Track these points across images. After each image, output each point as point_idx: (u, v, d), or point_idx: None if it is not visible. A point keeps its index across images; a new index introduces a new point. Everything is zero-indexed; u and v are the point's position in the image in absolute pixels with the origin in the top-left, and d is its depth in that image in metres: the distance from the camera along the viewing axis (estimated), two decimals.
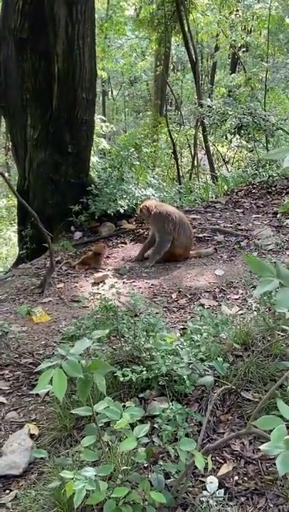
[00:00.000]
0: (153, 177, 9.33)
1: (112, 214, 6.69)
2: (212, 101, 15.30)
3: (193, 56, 14.45)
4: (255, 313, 4.58)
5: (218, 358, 3.30)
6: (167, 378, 3.27)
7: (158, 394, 3.37)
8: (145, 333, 3.58)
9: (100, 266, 5.97)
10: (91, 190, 6.95)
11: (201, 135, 14.85)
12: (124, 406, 2.75)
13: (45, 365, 2.51)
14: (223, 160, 16.55)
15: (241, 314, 4.61)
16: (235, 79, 19.75)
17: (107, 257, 6.25)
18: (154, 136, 14.76)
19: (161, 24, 15.79)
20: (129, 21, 19.42)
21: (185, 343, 3.34)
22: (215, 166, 15.41)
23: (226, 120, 9.31)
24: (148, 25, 16.45)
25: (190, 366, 3.19)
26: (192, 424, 3.13)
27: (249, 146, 12.40)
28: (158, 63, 18.94)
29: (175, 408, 3.02)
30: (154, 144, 15.90)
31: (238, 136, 9.45)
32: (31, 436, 3.32)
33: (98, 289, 5.40)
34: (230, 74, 21.55)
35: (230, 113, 9.13)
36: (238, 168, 14.88)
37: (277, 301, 1.99)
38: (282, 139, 9.99)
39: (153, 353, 3.30)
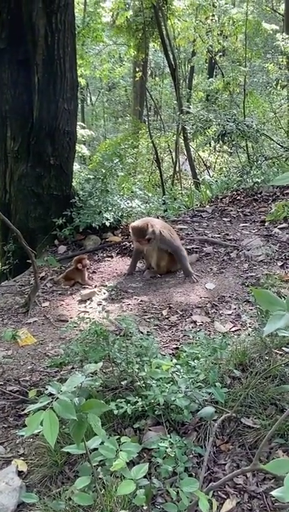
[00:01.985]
0: (134, 183, 9.19)
1: (98, 227, 6.50)
2: (190, 105, 15.25)
3: (172, 62, 14.38)
4: (249, 329, 4.44)
5: (216, 383, 3.14)
6: (163, 407, 3.09)
7: (154, 423, 3.20)
8: (138, 358, 3.40)
9: (85, 280, 5.76)
10: (75, 203, 6.76)
11: (182, 141, 14.75)
12: (118, 440, 2.57)
13: (34, 407, 2.32)
14: (205, 165, 16.45)
15: (235, 331, 4.47)
16: (214, 83, 19.80)
17: (93, 271, 6.05)
18: (134, 143, 14.61)
19: (139, 30, 15.73)
20: (106, 28, 19.30)
21: (182, 369, 3.16)
22: (197, 171, 15.33)
23: (209, 127, 9.18)
24: (126, 32, 16.38)
25: (188, 394, 3.01)
26: (191, 455, 2.96)
27: (230, 150, 12.34)
28: (137, 69, 18.85)
29: (173, 440, 2.85)
30: (135, 150, 15.79)
31: (221, 142, 9.31)
32: (19, 473, 3.11)
33: (86, 307, 5.20)
34: (208, 78, 21.61)
35: (214, 120, 8.99)
36: (221, 174, 14.82)
37: None
38: (265, 144, 9.88)
39: (148, 382, 3.13)
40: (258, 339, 3.82)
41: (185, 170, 16.97)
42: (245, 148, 10.63)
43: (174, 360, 3.20)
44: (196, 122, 9.27)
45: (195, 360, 3.23)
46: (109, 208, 6.49)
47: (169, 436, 2.89)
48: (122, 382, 3.32)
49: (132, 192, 7.78)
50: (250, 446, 3.09)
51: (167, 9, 14.70)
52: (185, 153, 14.80)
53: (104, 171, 6.75)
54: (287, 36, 16.70)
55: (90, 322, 3.67)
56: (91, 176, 7.34)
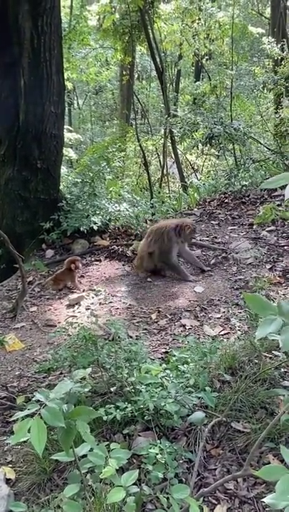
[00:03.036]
0: (122, 187, 9.14)
1: (86, 231, 6.46)
2: (177, 108, 15.27)
3: (159, 65, 14.37)
4: (239, 332, 4.42)
5: (206, 388, 3.11)
6: (153, 412, 3.06)
7: (143, 428, 3.17)
8: (127, 363, 3.37)
9: (75, 282, 5.71)
10: (62, 207, 6.71)
11: (169, 144, 14.73)
12: (108, 446, 2.54)
13: (22, 414, 2.28)
14: (193, 168, 16.46)
15: (225, 335, 4.45)
16: (200, 87, 19.85)
17: (82, 276, 6.01)
18: (121, 146, 14.56)
19: (125, 34, 15.71)
20: (93, 31, 19.28)
21: (171, 374, 3.13)
22: (184, 174, 15.31)
23: (196, 130, 9.17)
24: (112, 35, 16.35)
25: (178, 399, 2.98)
26: (181, 461, 2.93)
27: (217, 153, 12.34)
28: (124, 72, 18.84)
29: (163, 446, 2.83)
30: (123, 153, 15.74)
31: (209, 145, 9.31)
32: (7, 481, 3.06)
33: (74, 311, 5.16)
34: (195, 82, 21.69)
35: (201, 123, 8.99)
36: (208, 177, 14.83)
37: (282, 342, 1.79)
38: (253, 147, 9.89)
39: (137, 387, 3.09)
40: (248, 343, 3.81)
41: (173, 173, 16.95)
42: (232, 151, 10.66)
43: (164, 365, 3.18)
44: (183, 125, 9.26)
45: (184, 365, 3.20)
46: (97, 212, 6.45)
47: (158, 441, 2.86)
48: (112, 388, 3.28)
49: (119, 195, 7.75)
50: (241, 450, 3.06)
51: (153, 13, 14.69)
52: (173, 156, 14.78)
53: (91, 175, 6.70)
54: (273, 39, 16.80)
55: (78, 327, 3.63)
56: (78, 180, 7.30)
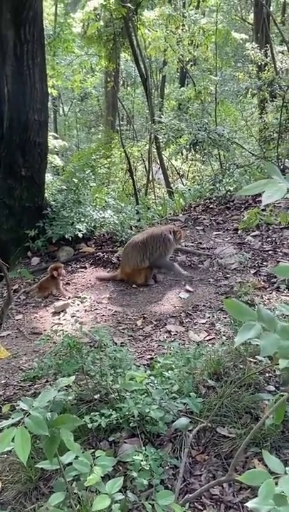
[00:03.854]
0: (107, 193, 9.15)
1: (71, 238, 6.46)
2: (163, 114, 15.31)
3: (144, 71, 14.42)
4: (224, 337, 4.45)
5: (191, 393, 3.13)
6: (138, 419, 3.07)
7: (129, 435, 3.17)
8: (112, 370, 3.37)
9: (60, 289, 5.70)
10: (47, 214, 6.71)
11: (154, 150, 14.78)
12: (93, 454, 2.54)
13: (6, 423, 2.28)
14: (178, 174, 16.51)
15: (210, 340, 4.47)
16: (185, 92, 19.95)
17: (67, 283, 6.00)
18: (106, 153, 14.59)
19: (110, 41, 15.76)
20: (77, 38, 19.32)
21: (156, 381, 3.14)
22: (170, 180, 15.35)
23: (180, 136, 9.22)
24: (97, 42, 16.38)
25: (162, 405, 2.99)
26: (167, 467, 2.94)
27: (202, 159, 12.39)
28: (108, 79, 18.88)
29: (148, 453, 2.83)
30: (108, 160, 15.76)
31: (193, 151, 9.35)
32: None
33: (59, 319, 5.15)
34: (180, 87, 21.80)
35: (185, 129, 9.04)
36: (194, 182, 14.88)
37: (262, 347, 1.81)
38: (237, 153, 9.95)
39: (122, 394, 3.10)
40: (232, 348, 3.83)
41: (158, 179, 16.98)
42: (217, 156, 10.72)
43: (148, 372, 3.19)
44: (167, 131, 9.30)
45: (169, 371, 3.21)
46: (82, 219, 6.45)
47: (144, 448, 2.87)
48: (96, 396, 3.28)
49: (105, 202, 7.75)
50: (226, 455, 3.08)
51: (137, 20, 14.75)
52: (158, 162, 14.82)
53: (76, 182, 6.70)
54: (256, 45, 16.94)
55: (63, 335, 3.63)
56: (63, 187, 7.30)
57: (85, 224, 6.42)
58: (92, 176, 6.71)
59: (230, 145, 9.06)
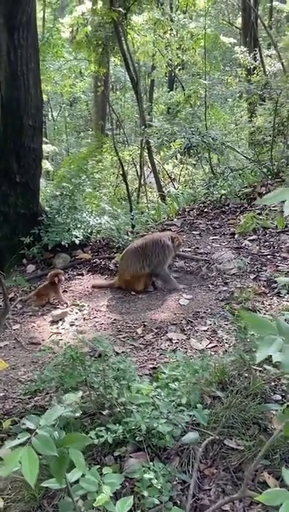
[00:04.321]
0: (100, 198, 9.06)
1: (67, 245, 6.37)
2: (152, 118, 15.28)
3: (134, 76, 14.37)
4: (226, 345, 4.37)
5: (198, 405, 3.05)
6: (144, 432, 2.98)
7: (134, 449, 3.08)
8: (116, 381, 3.28)
9: (59, 296, 5.59)
10: (42, 220, 6.61)
11: (146, 154, 14.71)
12: (99, 470, 2.45)
13: (12, 443, 2.19)
14: (170, 178, 16.43)
15: (212, 348, 4.39)
16: (174, 96, 19.95)
17: (64, 290, 5.90)
18: (100, 157, 14.50)
19: (99, 45, 15.69)
20: (66, 43, 19.25)
21: (162, 393, 3.05)
22: (161, 183, 15.27)
23: (174, 140, 9.15)
24: (86, 47, 16.31)
25: (170, 418, 2.91)
26: (175, 482, 2.85)
27: (194, 162, 12.32)
28: (99, 84, 18.80)
29: (157, 468, 2.75)
30: (100, 164, 15.67)
31: (187, 155, 9.30)
32: None
33: (58, 328, 5.05)
34: (169, 91, 21.84)
35: (178, 133, 8.97)
36: (186, 186, 14.83)
37: (283, 363, 1.73)
38: (231, 157, 9.89)
39: (128, 407, 3.01)
40: (237, 356, 3.76)
41: (150, 182, 16.92)
42: (209, 160, 10.67)
43: (154, 384, 3.10)
44: (161, 136, 9.23)
45: (175, 383, 3.12)
46: (78, 225, 6.36)
47: (151, 463, 2.79)
48: (104, 412, 3.19)
49: (97, 206, 7.66)
50: (235, 469, 3.00)
51: (127, 24, 14.70)
52: (149, 166, 14.75)
53: (71, 188, 6.61)
54: (245, 49, 16.96)
55: (65, 346, 3.54)
56: (57, 193, 7.21)
57: (81, 230, 6.33)
58: (88, 182, 6.61)
59: (224, 149, 8.99)
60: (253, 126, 14.16)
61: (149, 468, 2.75)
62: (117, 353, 4.16)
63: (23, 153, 6.45)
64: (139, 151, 15.62)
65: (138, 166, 16.13)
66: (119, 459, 3.05)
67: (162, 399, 3.00)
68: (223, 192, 9.31)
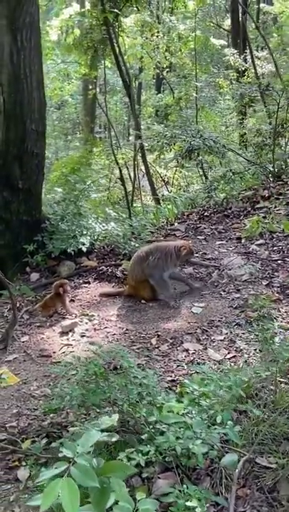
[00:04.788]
0: (99, 203, 8.90)
1: (73, 252, 6.19)
2: (141, 121, 15.16)
3: (126, 78, 14.26)
4: (246, 355, 4.23)
5: (229, 422, 2.89)
6: (174, 452, 2.82)
7: (162, 469, 2.93)
8: (139, 396, 3.12)
9: (66, 307, 5.40)
10: (46, 227, 6.42)
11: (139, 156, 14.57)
12: (130, 493, 2.30)
13: (49, 474, 2.03)
14: (163, 181, 16.31)
15: (231, 358, 4.25)
16: (163, 99, 19.89)
17: (71, 299, 5.72)
18: (97, 161, 14.39)
19: (90, 48, 15.55)
20: (56, 46, 19.13)
21: (193, 410, 2.90)
22: (155, 186, 15.12)
23: (174, 143, 9.03)
24: (77, 49, 16.17)
25: (204, 438, 2.75)
26: (208, 504, 2.70)
27: (188, 165, 12.18)
28: (91, 86, 18.67)
29: (191, 492, 2.60)
30: (94, 168, 15.52)
31: (188, 159, 9.17)
32: None
33: (68, 339, 4.87)
34: (157, 94, 21.79)
35: (180, 136, 8.85)
36: (180, 188, 14.72)
37: None
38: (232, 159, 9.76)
39: (158, 426, 2.85)
40: (261, 367, 3.63)
41: (143, 186, 16.77)
42: (208, 163, 10.57)
43: (185, 401, 2.95)
44: (161, 139, 9.10)
45: (207, 399, 2.97)
46: (84, 232, 6.18)
47: (185, 487, 2.64)
48: (138, 436, 3.02)
49: (102, 212, 7.48)
50: (269, 489, 2.85)
51: (118, 26, 14.58)
52: (142, 169, 14.59)
53: (76, 193, 6.44)
54: (235, 51, 16.92)
55: (78, 359, 3.38)
56: (57, 198, 7.04)
57: (88, 237, 6.15)
58: (94, 188, 6.44)
59: (226, 151, 8.87)
60: (244, 128, 14.17)
61: (180, 491, 2.61)
62: (139, 367, 4.00)
63: (26, 159, 6.26)
64: (132, 154, 15.50)
65: (131, 169, 16.00)
66: (147, 481, 2.90)
67: (194, 417, 2.84)
68: (222, 195, 9.20)
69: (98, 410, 3.31)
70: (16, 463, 3.33)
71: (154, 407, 2.93)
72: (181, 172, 15.33)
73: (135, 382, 3.22)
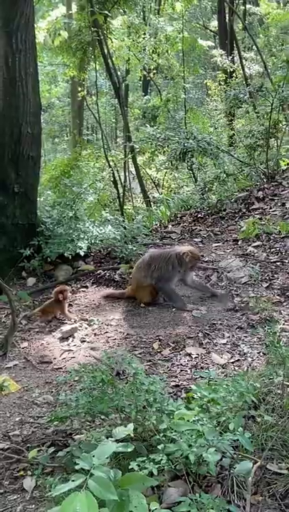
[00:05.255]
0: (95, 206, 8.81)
1: (70, 256, 6.12)
2: (129, 123, 15.12)
3: (116, 80, 14.21)
4: (249, 359, 4.20)
5: (240, 429, 2.85)
6: (185, 460, 2.77)
7: (172, 476, 2.87)
8: (145, 402, 3.07)
9: (65, 313, 5.33)
10: (42, 231, 6.34)
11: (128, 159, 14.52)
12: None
13: (66, 487, 1.98)
14: (154, 183, 16.26)
15: (235, 362, 4.21)
16: (151, 101, 19.87)
17: (70, 304, 5.65)
18: (92, 164, 14.29)
19: (79, 50, 15.49)
20: (44, 48, 19.01)
21: (204, 418, 2.84)
22: (145, 188, 15.06)
23: (168, 146, 8.99)
24: (66, 51, 16.10)
25: (217, 445, 2.70)
26: None
27: (173, 167, 12.11)
28: (80, 88, 18.58)
29: (205, 501, 2.55)
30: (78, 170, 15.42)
31: (180, 161, 9.13)
32: None
33: (68, 345, 4.80)
34: (144, 96, 21.78)
35: (175, 138, 8.81)
36: (171, 190, 14.68)
37: None
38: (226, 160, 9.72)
39: (168, 434, 2.79)
40: (267, 371, 3.60)
41: (132, 188, 16.70)
42: (191, 165, 10.54)
43: (196, 408, 2.89)
44: (154, 141, 9.05)
45: (217, 406, 2.92)
46: (82, 236, 6.11)
47: (198, 495, 2.58)
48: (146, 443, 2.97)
49: (99, 215, 7.38)
50: (281, 495, 2.81)
51: (107, 28, 14.54)
52: (133, 171, 14.52)
53: (72, 197, 6.37)
54: (223, 52, 16.95)
55: (91, 368, 3.31)
56: (51, 201, 6.96)
57: (85, 241, 6.08)
58: (91, 191, 6.37)
59: (219, 153, 8.85)
60: (233, 129, 14.18)
61: (192, 500, 2.56)
62: (147, 374, 3.94)
63: (21, 162, 6.18)
64: (122, 156, 15.44)
65: (121, 171, 15.93)
66: (157, 489, 2.84)
67: (205, 424, 2.79)
68: (214, 197, 9.21)
69: (102, 417, 3.26)
70: (22, 472, 3.26)
71: (164, 415, 2.88)
72: (171, 174, 15.32)
73: (142, 389, 3.17)
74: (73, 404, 3.20)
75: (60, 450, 3.24)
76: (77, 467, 2.06)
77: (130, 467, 2.60)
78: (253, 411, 3.25)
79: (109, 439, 2.37)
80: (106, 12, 11.57)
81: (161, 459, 2.68)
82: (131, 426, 2.32)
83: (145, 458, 2.72)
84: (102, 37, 13.03)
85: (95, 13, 11.27)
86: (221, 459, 2.74)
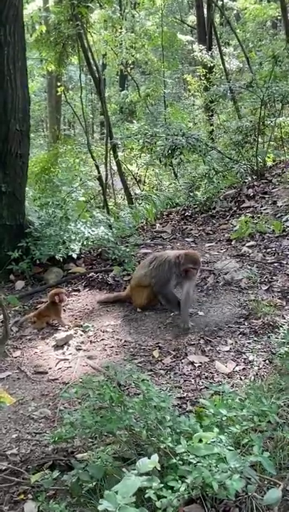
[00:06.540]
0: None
1: (61, 259, 5.87)
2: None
3: (96, 74, 13.97)
4: (256, 368, 4.02)
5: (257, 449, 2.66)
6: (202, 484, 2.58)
7: (186, 501, 2.67)
8: (157, 421, 2.86)
9: (59, 318, 5.09)
10: (31, 233, 6.07)
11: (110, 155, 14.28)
12: None
13: None
14: (135, 179, 16.04)
15: (241, 371, 4.03)
16: (129, 96, 19.67)
17: (62, 309, 5.39)
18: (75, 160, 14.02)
19: (58, 44, 15.19)
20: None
21: (224, 439, 2.65)
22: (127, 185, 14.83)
23: (155, 142, 8.78)
24: (45, 45, 15.78)
25: (239, 470, 2.51)
26: None
27: (158, 163, 11.92)
28: (59, 84, 18.28)
29: None
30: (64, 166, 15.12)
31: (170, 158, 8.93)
32: None
33: (64, 353, 4.57)
34: (121, 91, 21.63)
35: (160, 135, 8.62)
36: (153, 187, 14.51)
37: None
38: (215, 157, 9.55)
39: (185, 457, 2.59)
40: (276, 381, 3.44)
41: (113, 184, 16.45)
42: (188, 161, 10.39)
43: (215, 429, 2.70)
44: (142, 137, 8.84)
45: (237, 426, 2.73)
46: (73, 237, 5.86)
47: None
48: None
49: (90, 216, 7.10)
50: None
51: (87, 21, 14.25)
52: (113, 167, 14.27)
53: (63, 196, 6.11)
54: (203, 47, 16.82)
55: (98, 383, 3.09)
56: (40, 203, 6.70)
57: (77, 242, 5.82)
58: (82, 190, 6.12)
59: (208, 150, 8.67)
60: (212, 125, 14.05)
61: None
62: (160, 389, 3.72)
63: (9, 161, 5.90)
64: (102, 152, 15.15)
65: (101, 167, 15.66)
66: None
67: (225, 446, 2.60)
68: (199, 193, 9.04)
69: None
70: (22, 496, 3.04)
71: (179, 435, 2.68)
72: (153, 170, 15.13)
73: (151, 405, 2.96)
74: (78, 423, 2.98)
75: (62, 471, 3.02)
76: (100, 507, 1.85)
77: (146, 495, 2.39)
78: (284, 434, 3.03)
79: (132, 472, 2.16)
80: (88, 4, 11.26)
81: (180, 487, 2.49)
82: (156, 457, 2.12)
83: (163, 485, 2.51)
84: (82, 31, 12.78)
85: (76, 5, 11.01)
86: (245, 486, 2.55)
